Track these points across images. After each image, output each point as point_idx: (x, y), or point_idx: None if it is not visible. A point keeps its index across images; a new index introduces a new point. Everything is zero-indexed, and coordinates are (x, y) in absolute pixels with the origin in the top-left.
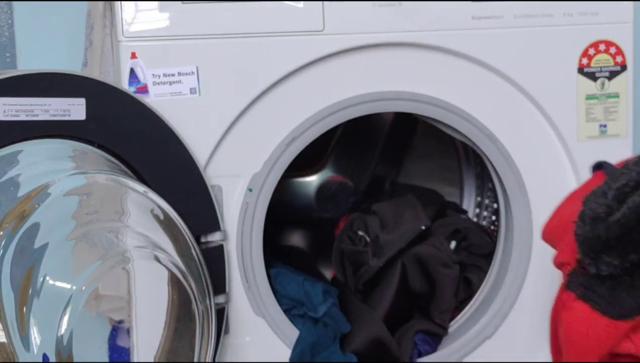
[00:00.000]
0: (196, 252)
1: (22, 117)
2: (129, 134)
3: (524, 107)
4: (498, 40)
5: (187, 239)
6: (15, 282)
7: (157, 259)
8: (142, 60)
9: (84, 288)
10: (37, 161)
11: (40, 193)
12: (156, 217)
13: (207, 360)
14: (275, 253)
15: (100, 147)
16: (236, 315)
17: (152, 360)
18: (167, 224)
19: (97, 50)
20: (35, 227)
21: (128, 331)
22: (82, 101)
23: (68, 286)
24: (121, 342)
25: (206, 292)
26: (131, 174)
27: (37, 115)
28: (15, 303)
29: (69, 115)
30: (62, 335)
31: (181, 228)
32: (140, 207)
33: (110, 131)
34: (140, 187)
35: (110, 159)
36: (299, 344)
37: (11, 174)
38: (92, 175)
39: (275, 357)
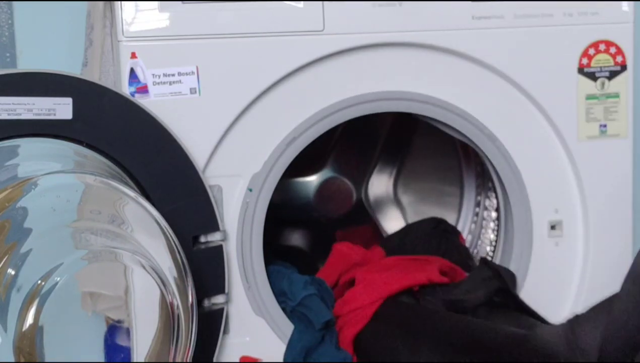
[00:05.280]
0: (180, 256)
1: (4, 116)
2: (120, 134)
3: (524, 107)
4: (498, 40)
5: (173, 243)
6: None
7: (131, 261)
8: (142, 60)
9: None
10: (20, 160)
11: (25, 185)
12: (140, 220)
13: (184, 361)
14: (276, 253)
15: (89, 146)
16: (236, 315)
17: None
18: (152, 228)
19: (97, 50)
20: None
21: (124, 331)
22: (68, 100)
23: (36, 278)
24: (120, 341)
25: (189, 294)
26: (121, 173)
27: (20, 114)
28: None
29: (54, 115)
30: (25, 331)
31: (167, 232)
32: (125, 209)
33: (99, 131)
34: (130, 191)
35: (101, 160)
36: (291, 348)
37: None
38: (81, 175)
39: (275, 357)
